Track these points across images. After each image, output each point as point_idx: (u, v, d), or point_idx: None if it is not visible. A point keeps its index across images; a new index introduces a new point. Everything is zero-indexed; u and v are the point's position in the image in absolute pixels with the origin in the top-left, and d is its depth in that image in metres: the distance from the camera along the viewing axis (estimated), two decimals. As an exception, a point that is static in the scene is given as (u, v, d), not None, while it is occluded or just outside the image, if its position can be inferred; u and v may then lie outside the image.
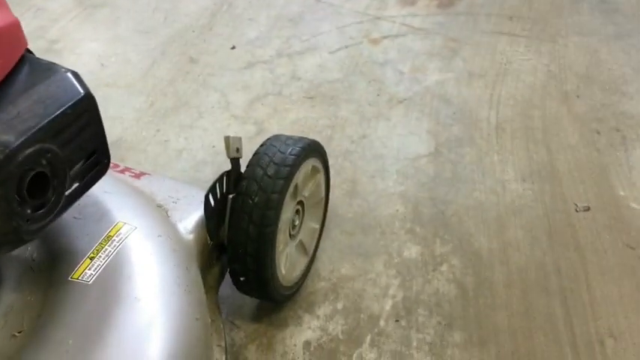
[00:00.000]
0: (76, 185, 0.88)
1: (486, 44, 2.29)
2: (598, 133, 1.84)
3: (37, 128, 0.77)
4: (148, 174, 1.31)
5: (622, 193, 1.62)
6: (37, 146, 0.76)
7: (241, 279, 1.18)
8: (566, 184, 1.65)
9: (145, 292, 0.91)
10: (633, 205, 1.58)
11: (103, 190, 1.10)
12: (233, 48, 2.29)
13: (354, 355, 1.25)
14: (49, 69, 0.87)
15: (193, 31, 2.40)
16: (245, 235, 1.13)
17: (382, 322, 1.32)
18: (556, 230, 1.52)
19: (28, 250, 0.98)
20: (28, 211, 0.77)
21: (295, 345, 1.28)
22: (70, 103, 0.82)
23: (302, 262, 1.37)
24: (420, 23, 2.43)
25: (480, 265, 1.43)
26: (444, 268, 1.43)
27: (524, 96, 2.01)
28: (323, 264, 1.45)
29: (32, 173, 0.77)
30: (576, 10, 2.53)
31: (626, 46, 2.26)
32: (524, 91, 2.03)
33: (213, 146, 1.81)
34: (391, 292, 1.38)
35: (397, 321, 1.32)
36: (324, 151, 1.35)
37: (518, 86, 2.06)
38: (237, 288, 1.24)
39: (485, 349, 1.25)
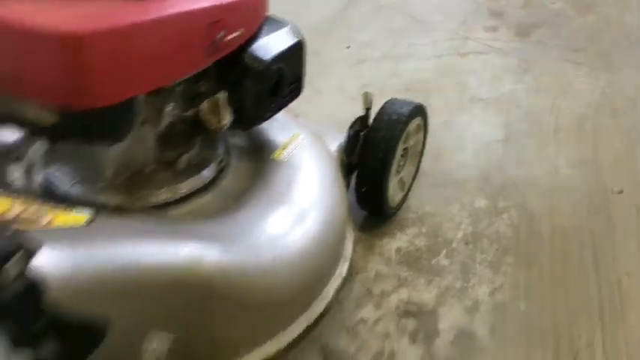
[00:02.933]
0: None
1: (553, 67, 2.65)
2: (638, 141, 2.17)
3: (278, 53, 1.21)
4: (299, 116, 1.75)
5: (651, 186, 1.96)
6: (278, 64, 1.21)
7: (363, 190, 1.59)
8: (606, 173, 1.99)
9: (318, 171, 1.34)
10: (659, 195, 1.92)
11: (281, 114, 1.55)
12: (348, 47, 2.74)
13: (433, 261, 1.64)
14: (281, 23, 1.32)
15: (316, 33, 2.87)
16: (372, 157, 1.55)
17: (454, 244, 1.70)
18: (594, 205, 1.87)
19: (239, 140, 1.43)
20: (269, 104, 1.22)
21: (390, 249, 1.68)
22: (293, 43, 1.27)
23: (399, 195, 1.77)
24: (500, 46, 2.82)
25: (532, 219, 1.80)
26: (505, 216, 1.80)
27: (581, 109, 2.36)
28: (412, 202, 1.84)
29: (273, 81, 1.22)
30: (633, 49, 2.85)
31: (673, 83, 2.58)
32: (580, 106, 2.38)
33: (332, 115, 2.25)
34: (463, 226, 1.76)
35: (466, 244, 1.70)
36: (427, 116, 1.76)
37: (576, 102, 2.41)
38: (357, 200, 1.65)
39: (530, 270, 1.62)
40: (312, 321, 1.17)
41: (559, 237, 1.74)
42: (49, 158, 1.16)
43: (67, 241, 0.75)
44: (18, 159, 1.16)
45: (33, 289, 0.62)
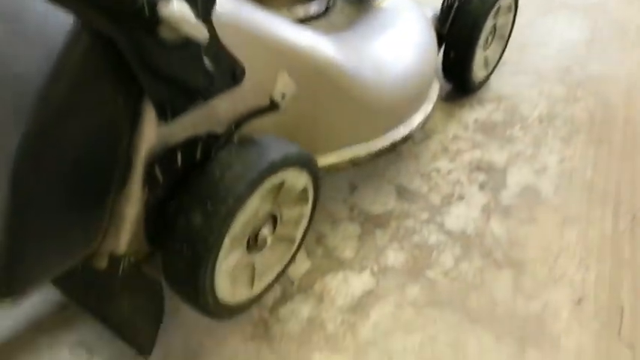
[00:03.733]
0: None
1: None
2: None
3: None
4: None
5: None
6: None
7: (451, 55, 1.68)
8: (690, 78, 1.99)
9: (416, 21, 1.43)
10: None
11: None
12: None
13: (507, 131, 1.72)
14: None
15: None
16: (462, 27, 1.62)
17: (530, 120, 1.77)
18: (672, 103, 1.88)
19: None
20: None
21: (468, 118, 1.77)
22: None
23: (483, 73, 1.83)
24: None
25: (607, 107, 1.83)
26: (581, 103, 1.85)
27: (673, 23, 2.32)
28: (494, 84, 1.91)
29: None
30: None
31: None
32: (673, 20, 2.34)
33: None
34: (539, 107, 1.82)
35: (541, 122, 1.76)
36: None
37: (669, 16, 2.36)
38: (442, 69, 1.74)
39: (601, 146, 1.67)
40: (397, 139, 1.30)
41: (632, 123, 1.77)
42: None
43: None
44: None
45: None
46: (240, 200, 0.82)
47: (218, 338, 1.15)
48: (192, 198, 0.83)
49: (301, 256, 1.32)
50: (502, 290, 1.28)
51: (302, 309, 1.22)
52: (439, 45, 1.69)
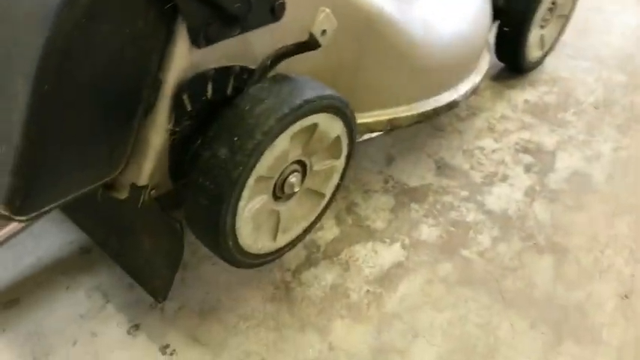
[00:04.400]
0: None
1: None
2: None
3: None
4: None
5: None
6: None
7: (505, 31, 1.58)
8: None
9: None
10: None
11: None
12: None
13: (559, 115, 1.62)
14: None
15: None
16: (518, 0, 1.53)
17: (584, 105, 1.66)
18: None
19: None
20: None
21: (518, 99, 1.66)
22: None
23: (538, 52, 1.72)
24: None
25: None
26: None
27: None
28: (549, 66, 1.79)
29: None
30: None
31: None
32: None
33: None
34: (596, 93, 1.70)
35: (596, 108, 1.65)
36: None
37: None
38: (495, 46, 1.62)
39: (661, 138, 1.56)
40: (441, 105, 1.22)
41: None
42: None
43: None
44: None
45: None
46: (269, 136, 0.77)
47: (237, 296, 1.10)
48: (219, 130, 0.78)
49: (330, 223, 1.27)
50: (541, 276, 1.19)
51: (326, 275, 1.16)
52: (495, 19, 1.61)
